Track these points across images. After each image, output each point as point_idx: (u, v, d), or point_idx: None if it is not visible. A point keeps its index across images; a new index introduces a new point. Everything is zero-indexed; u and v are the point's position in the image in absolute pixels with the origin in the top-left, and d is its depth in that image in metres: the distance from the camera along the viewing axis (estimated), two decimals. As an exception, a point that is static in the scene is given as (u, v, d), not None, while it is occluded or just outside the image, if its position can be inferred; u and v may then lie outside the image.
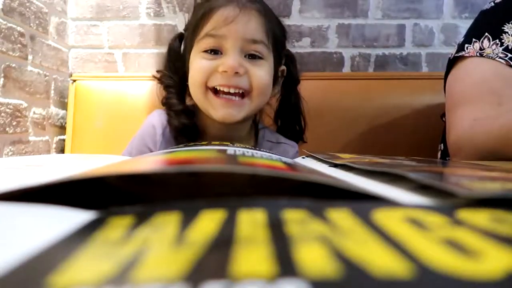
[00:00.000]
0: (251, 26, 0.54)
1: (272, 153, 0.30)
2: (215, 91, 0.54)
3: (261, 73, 0.55)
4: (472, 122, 0.55)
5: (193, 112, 0.60)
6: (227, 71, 0.52)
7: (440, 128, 0.74)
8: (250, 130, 0.64)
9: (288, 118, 0.67)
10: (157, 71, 0.64)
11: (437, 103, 0.87)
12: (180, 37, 0.63)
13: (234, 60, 0.52)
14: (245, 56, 0.55)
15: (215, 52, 0.55)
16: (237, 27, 0.53)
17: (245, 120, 0.59)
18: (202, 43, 0.55)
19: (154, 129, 0.60)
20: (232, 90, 0.54)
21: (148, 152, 0.57)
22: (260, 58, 0.56)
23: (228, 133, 0.59)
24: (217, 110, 0.54)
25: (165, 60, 0.63)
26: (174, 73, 0.61)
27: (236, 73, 0.52)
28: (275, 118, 0.68)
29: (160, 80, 0.63)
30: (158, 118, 0.61)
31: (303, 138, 0.68)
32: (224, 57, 0.54)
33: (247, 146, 0.35)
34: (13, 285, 0.07)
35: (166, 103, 0.61)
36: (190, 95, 0.60)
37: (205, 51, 0.55)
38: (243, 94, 0.55)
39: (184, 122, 0.58)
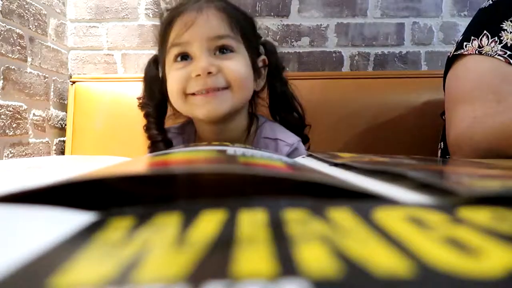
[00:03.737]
0: (211, 24, 0.55)
1: (272, 153, 0.30)
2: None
3: (235, 65, 0.55)
4: (471, 120, 0.55)
5: (170, 141, 0.61)
6: (200, 74, 0.53)
7: (439, 127, 0.74)
8: (244, 132, 0.63)
9: (281, 108, 0.66)
10: (137, 98, 0.67)
11: (437, 102, 0.87)
12: (154, 60, 0.64)
13: (203, 61, 0.53)
14: (215, 54, 0.55)
15: (185, 58, 0.56)
16: (198, 29, 0.54)
17: (233, 117, 0.59)
18: (170, 54, 0.57)
19: None
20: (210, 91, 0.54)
21: None
22: (231, 51, 0.56)
23: (221, 136, 0.59)
24: (201, 107, 0.55)
25: (142, 87, 0.65)
26: (151, 99, 0.63)
27: (209, 73, 0.53)
28: (271, 113, 0.68)
29: (140, 107, 0.65)
30: None
31: (305, 125, 0.67)
32: (194, 61, 0.55)
33: (247, 146, 0.35)
34: (14, 287, 0.07)
35: (146, 133, 0.63)
36: (172, 113, 0.64)
37: (176, 61, 0.56)
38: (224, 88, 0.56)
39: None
